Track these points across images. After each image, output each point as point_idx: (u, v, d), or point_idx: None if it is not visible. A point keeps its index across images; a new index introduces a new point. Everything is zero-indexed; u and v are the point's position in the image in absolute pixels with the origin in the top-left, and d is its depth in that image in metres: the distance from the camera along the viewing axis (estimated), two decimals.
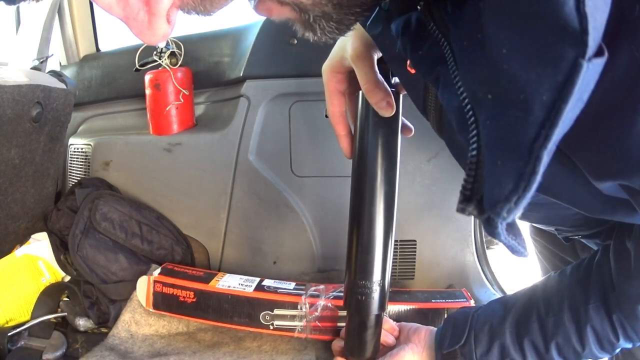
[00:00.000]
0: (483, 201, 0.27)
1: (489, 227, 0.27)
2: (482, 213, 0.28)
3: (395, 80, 0.55)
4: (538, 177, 0.23)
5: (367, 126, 0.56)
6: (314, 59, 0.97)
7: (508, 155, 0.25)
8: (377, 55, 0.53)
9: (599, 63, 0.22)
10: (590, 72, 0.22)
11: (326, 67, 0.58)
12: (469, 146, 0.29)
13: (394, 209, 0.59)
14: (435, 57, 0.35)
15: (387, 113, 0.53)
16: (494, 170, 0.26)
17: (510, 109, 0.25)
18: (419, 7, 0.35)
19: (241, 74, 0.98)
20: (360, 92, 0.55)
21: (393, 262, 0.99)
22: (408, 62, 0.42)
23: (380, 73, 0.53)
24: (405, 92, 0.55)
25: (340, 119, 0.59)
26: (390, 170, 0.58)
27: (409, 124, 0.61)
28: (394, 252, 0.99)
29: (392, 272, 0.99)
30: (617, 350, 0.55)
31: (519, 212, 0.24)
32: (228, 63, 1.06)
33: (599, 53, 0.22)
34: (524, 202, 0.24)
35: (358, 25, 0.52)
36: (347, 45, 0.54)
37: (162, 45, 1.01)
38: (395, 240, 0.99)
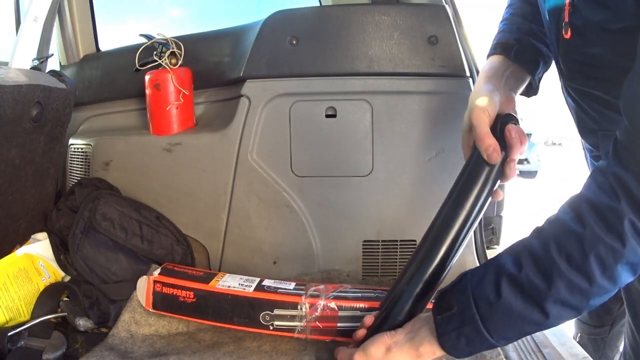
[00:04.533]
0: None
1: None
2: None
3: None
4: None
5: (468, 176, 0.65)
6: (314, 59, 0.98)
7: None
8: (492, 112, 0.65)
9: None
10: None
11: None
12: None
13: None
14: None
15: (492, 159, 0.62)
16: None
17: None
18: None
19: (241, 74, 0.98)
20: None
21: (393, 262, 0.99)
22: None
23: (497, 129, 0.64)
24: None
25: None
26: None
27: (500, 190, 0.68)
28: (394, 252, 0.99)
29: (392, 272, 1.00)
30: (626, 226, 0.46)
31: None
32: (228, 63, 1.06)
33: None
34: None
35: (477, 89, 0.68)
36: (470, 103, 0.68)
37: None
38: (395, 240, 1.00)
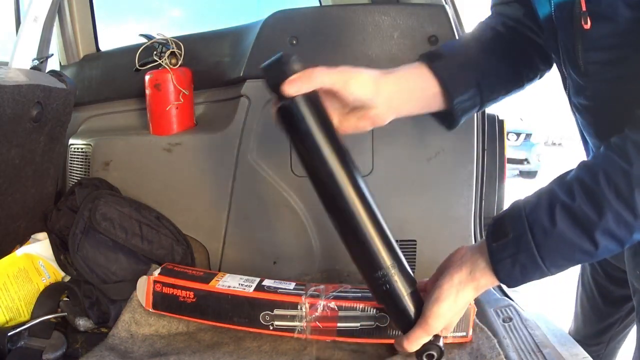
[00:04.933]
0: None
1: None
2: None
3: None
4: None
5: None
6: (314, 59, 0.97)
7: None
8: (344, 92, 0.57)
9: None
10: None
11: None
12: None
13: (359, 186, 0.60)
14: None
15: (286, 91, 0.56)
16: None
17: None
18: None
19: (241, 74, 0.98)
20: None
21: None
22: None
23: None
24: None
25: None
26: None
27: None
28: None
29: None
30: None
31: None
32: (228, 63, 1.06)
33: None
34: None
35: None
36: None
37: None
38: (395, 240, 0.99)
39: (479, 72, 0.67)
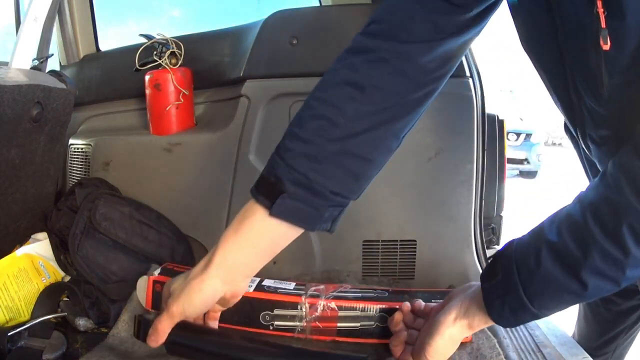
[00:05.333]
0: None
1: None
2: None
3: None
4: None
5: None
6: (314, 59, 0.98)
7: None
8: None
9: None
10: None
11: None
12: None
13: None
14: None
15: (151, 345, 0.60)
16: None
17: None
18: None
19: (241, 74, 0.98)
20: None
21: (393, 262, 0.99)
22: None
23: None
24: None
25: None
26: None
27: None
28: (394, 252, 0.99)
29: (392, 272, 1.00)
30: None
31: None
32: (228, 63, 1.06)
33: None
34: None
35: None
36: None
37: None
38: (395, 240, 1.00)
39: (331, 180, 0.56)
